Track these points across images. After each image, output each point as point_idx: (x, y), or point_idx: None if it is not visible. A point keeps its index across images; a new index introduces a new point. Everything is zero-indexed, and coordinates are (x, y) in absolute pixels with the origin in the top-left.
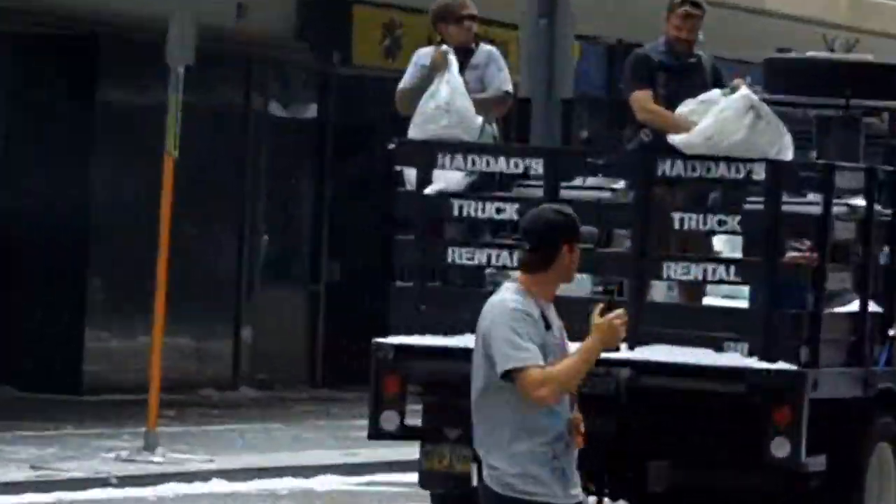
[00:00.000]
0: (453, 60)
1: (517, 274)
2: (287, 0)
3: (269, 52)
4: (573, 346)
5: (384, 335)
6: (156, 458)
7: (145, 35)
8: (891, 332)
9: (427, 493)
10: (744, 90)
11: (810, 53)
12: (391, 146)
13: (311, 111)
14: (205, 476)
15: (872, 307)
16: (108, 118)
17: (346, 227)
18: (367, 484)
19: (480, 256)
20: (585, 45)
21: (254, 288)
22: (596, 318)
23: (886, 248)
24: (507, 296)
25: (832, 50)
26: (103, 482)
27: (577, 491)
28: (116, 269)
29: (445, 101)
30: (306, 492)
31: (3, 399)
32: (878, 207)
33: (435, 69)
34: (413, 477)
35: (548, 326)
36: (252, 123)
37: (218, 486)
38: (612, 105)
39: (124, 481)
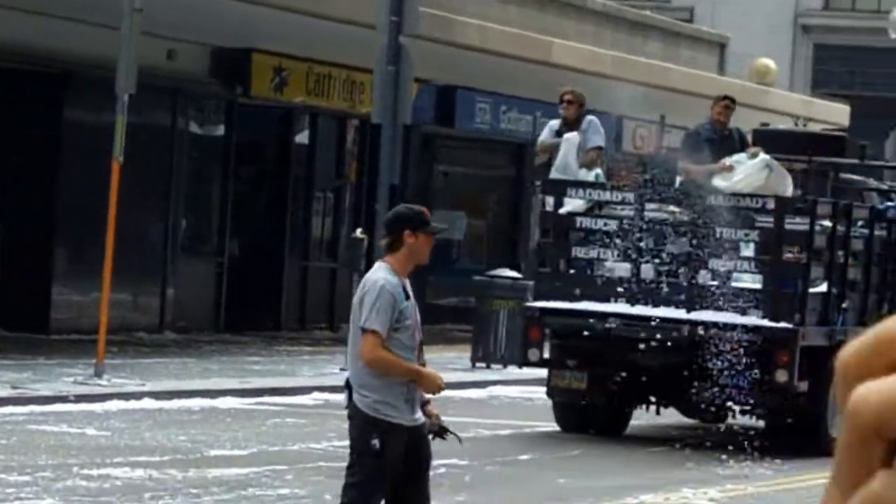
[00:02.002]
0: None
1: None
2: (204, 47)
3: (189, 85)
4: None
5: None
6: (102, 382)
7: (99, 71)
8: (844, 305)
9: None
10: (762, 155)
11: (782, 126)
12: (537, 183)
13: (220, 130)
14: (138, 396)
15: (834, 289)
16: (72, 133)
17: (244, 215)
18: (257, 404)
19: (592, 252)
20: (422, 86)
21: (176, 259)
22: (435, 374)
23: (841, 253)
24: (381, 274)
25: (796, 125)
26: (64, 399)
27: (419, 415)
28: (75, 243)
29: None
30: (213, 408)
31: None
32: (838, 227)
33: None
34: (288, 399)
35: (406, 297)
36: (176, 138)
37: (148, 403)
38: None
39: (80, 398)
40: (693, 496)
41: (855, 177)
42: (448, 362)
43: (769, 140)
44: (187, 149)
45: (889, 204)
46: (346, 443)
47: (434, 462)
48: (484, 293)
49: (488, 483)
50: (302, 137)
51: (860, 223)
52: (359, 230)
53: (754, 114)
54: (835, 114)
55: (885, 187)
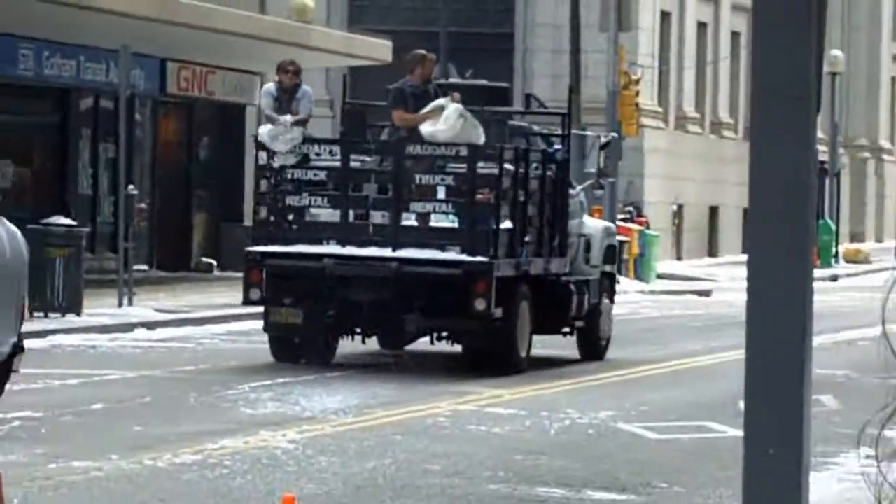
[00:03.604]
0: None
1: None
2: None
3: None
4: None
5: None
6: None
7: None
8: (526, 239)
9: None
10: (457, 105)
11: (452, 80)
12: (256, 136)
13: None
14: None
15: (518, 225)
16: None
17: None
18: None
19: (303, 201)
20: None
21: None
22: None
23: (522, 192)
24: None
25: (464, 77)
26: None
27: None
28: None
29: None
30: None
31: None
32: (519, 170)
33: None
34: None
35: None
36: None
37: None
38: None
39: None
40: (272, 438)
41: (522, 123)
42: None
43: (446, 92)
44: None
45: (557, 147)
46: None
47: (8, 415)
48: (39, 242)
49: (66, 433)
50: None
51: (534, 165)
52: None
53: (296, 52)
54: (376, 50)
55: (546, 132)
